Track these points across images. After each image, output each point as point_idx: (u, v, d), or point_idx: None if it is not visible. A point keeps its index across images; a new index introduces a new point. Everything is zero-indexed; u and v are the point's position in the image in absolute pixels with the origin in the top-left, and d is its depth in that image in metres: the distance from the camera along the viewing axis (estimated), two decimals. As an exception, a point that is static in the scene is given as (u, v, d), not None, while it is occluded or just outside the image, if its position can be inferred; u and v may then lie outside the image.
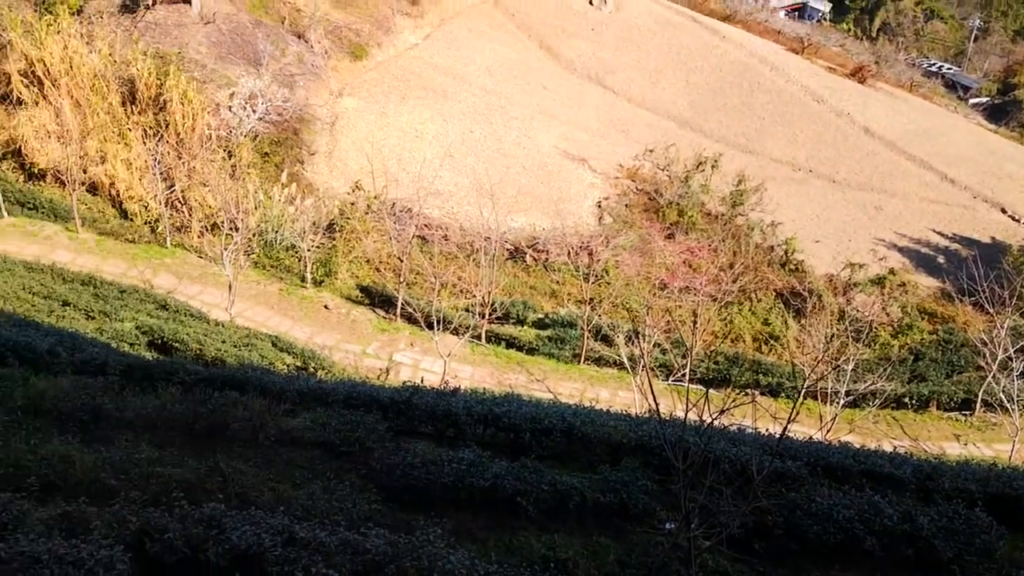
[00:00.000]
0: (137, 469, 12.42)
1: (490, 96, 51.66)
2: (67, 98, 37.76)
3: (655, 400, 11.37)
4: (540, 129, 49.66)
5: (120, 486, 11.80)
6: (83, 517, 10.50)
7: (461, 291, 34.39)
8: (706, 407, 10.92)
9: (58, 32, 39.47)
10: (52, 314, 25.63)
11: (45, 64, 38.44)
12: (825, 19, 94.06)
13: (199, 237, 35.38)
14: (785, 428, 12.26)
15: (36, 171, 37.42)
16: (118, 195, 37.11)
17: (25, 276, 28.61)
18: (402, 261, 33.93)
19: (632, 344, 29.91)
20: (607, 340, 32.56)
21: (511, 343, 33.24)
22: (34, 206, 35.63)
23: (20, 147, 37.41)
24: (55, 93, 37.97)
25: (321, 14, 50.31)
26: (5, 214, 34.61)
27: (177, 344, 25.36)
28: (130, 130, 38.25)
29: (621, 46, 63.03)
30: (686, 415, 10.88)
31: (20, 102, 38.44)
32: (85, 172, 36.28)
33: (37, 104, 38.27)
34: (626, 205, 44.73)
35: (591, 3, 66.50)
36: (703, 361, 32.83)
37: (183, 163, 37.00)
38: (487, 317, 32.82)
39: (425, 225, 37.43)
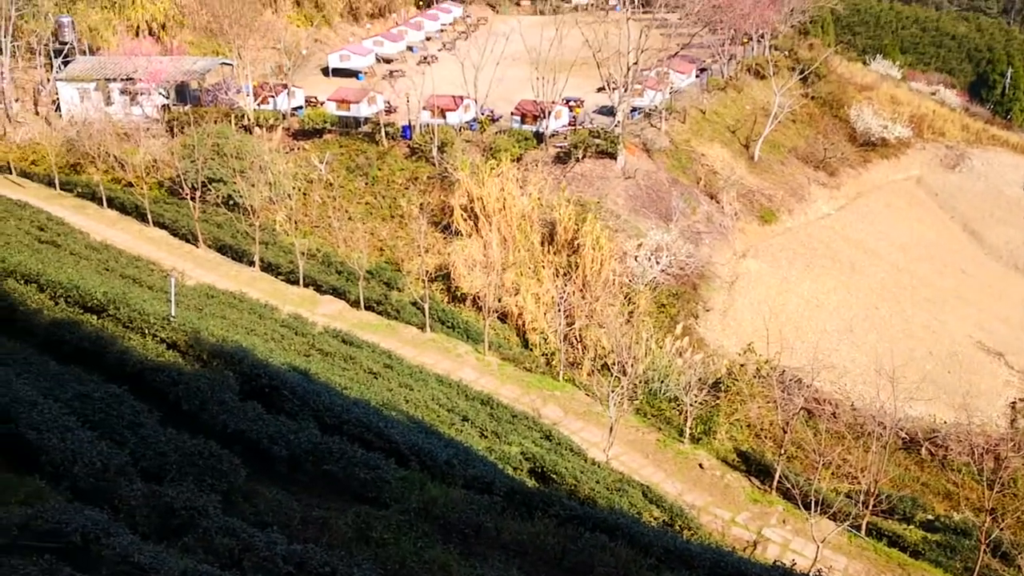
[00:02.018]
0: (506, 593, 12.95)
1: (901, 274, 49.30)
2: (496, 233, 42.20)
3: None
4: (953, 315, 46.26)
5: (489, 606, 12.37)
6: (454, 630, 11.08)
7: (845, 474, 32.28)
8: None
9: (498, 175, 44.61)
10: (452, 426, 27.90)
11: (483, 202, 43.53)
12: None
13: (589, 375, 36.96)
14: None
15: (459, 294, 41.94)
16: (523, 325, 40.21)
17: (436, 388, 31.67)
18: (785, 432, 32.70)
19: (1041, 572, 26.03)
20: (1007, 559, 28.66)
21: (893, 541, 30.35)
22: (452, 325, 39.63)
23: (450, 272, 42.33)
24: (487, 227, 42.64)
25: (736, 177, 51.66)
26: (428, 330, 38.78)
27: (555, 476, 26.29)
28: (543, 267, 41.64)
29: (1060, 236, 57.60)
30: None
31: (457, 232, 43.66)
32: (499, 301, 39.85)
33: (470, 236, 43.22)
34: (1048, 411, 39.84)
35: (1026, 189, 61.85)
36: None
37: (585, 303, 39.30)
38: (870, 508, 30.39)
39: (815, 398, 35.97)
